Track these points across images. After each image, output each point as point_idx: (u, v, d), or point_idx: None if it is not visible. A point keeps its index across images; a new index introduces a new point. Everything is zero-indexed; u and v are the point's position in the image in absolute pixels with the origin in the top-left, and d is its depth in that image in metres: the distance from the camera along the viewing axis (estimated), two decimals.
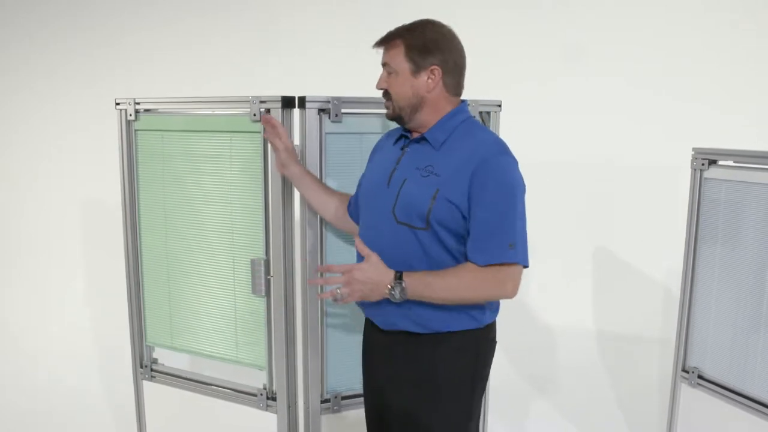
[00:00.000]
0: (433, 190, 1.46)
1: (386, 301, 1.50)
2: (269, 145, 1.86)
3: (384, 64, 1.54)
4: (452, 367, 1.55)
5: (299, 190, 1.85)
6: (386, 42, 1.53)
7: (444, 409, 1.56)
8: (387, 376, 1.64)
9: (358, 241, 1.54)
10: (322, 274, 1.82)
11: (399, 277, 1.45)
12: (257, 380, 2.04)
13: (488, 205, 1.42)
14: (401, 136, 1.64)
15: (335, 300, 1.51)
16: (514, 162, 1.48)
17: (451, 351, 1.54)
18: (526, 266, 1.46)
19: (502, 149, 1.49)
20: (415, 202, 1.48)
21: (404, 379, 1.58)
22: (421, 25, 1.52)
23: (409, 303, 1.49)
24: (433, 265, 1.49)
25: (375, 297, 1.48)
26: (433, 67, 1.50)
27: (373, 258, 1.48)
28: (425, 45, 1.49)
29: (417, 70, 1.50)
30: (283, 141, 1.77)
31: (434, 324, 1.51)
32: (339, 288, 1.50)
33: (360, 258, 1.57)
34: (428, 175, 1.49)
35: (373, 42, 1.57)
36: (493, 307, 1.59)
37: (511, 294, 1.46)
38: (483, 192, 1.42)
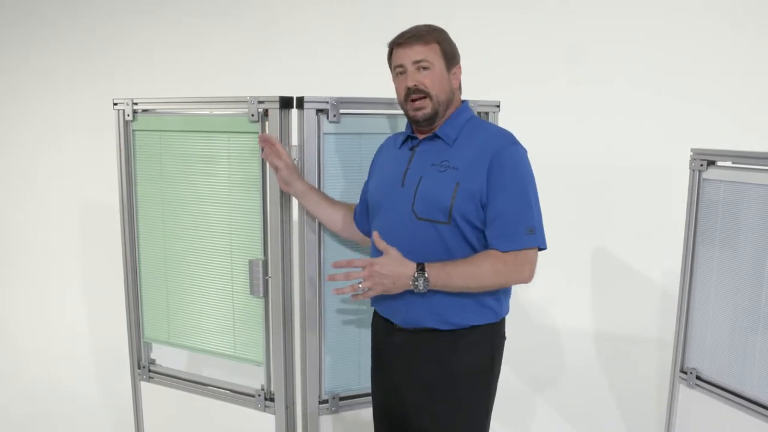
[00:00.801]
0: (453, 184, 1.49)
1: (411, 298, 1.53)
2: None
3: (418, 61, 1.53)
4: (472, 362, 1.57)
5: (304, 206, 1.85)
6: (423, 39, 1.54)
7: (463, 406, 1.58)
8: (403, 375, 1.63)
9: (376, 235, 1.55)
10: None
11: (421, 268, 1.46)
12: (255, 381, 2.04)
13: (506, 193, 1.47)
14: (407, 138, 1.66)
15: (354, 296, 1.50)
16: (525, 151, 1.54)
17: (470, 346, 1.56)
18: (544, 248, 1.51)
19: (513, 139, 1.54)
20: (436, 196, 1.51)
21: (423, 377, 1.58)
22: (442, 30, 1.59)
23: (434, 298, 1.51)
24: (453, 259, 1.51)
25: (397, 290, 1.50)
26: (457, 66, 1.61)
27: (393, 251, 1.50)
28: (452, 47, 1.59)
29: (449, 68, 1.58)
30: (284, 159, 1.76)
31: (457, 319, 1.53)
32: (360, 282, 1.49)
33: (376, 253, 1.59)
34: (445, 170, 1.52)
35: (398, 39, 1.57)
36: (508, 299, 1.62)
37: (528, 278, 1.49)
38: (500, 181, 1.47)
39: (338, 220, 1.82)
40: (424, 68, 1.53)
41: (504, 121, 2.10)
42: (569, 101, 3.77)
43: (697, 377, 2.13)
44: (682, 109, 3.67)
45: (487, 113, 2.06)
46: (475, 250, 1.52)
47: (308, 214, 1.88)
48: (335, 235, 1.93)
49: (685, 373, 2.17)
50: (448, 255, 1.51)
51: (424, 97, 1.54)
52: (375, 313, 1.74)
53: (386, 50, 1.61)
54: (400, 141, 1.68)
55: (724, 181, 2.01)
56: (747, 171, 1.94)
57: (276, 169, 1.78)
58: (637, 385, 3.28)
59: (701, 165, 2.06)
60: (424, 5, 3.70)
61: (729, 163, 2.01)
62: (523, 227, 1.46)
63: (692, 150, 2.10)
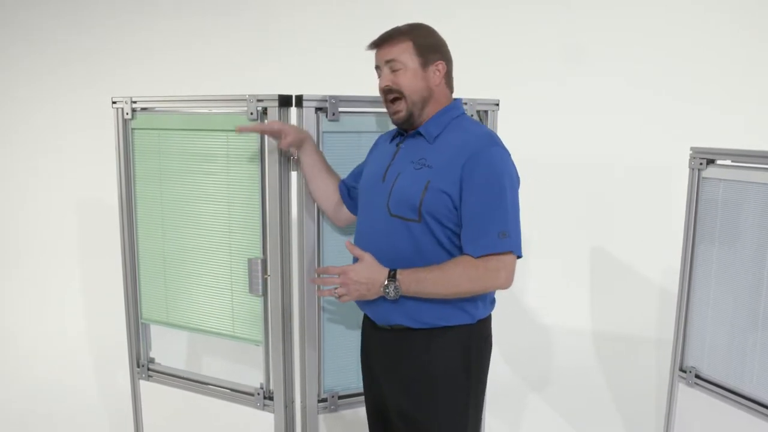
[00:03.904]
0: (424, 182, 1.48)
1: (381, 297, 1.53)
2: (266, 145, 1.86)
3: (389, 61, 1.54)
4: (445, 362, 1.56)
5: (306, 168, 1.82)
6: (391, 39, 1.53)
7: (439, 405, 1.57)
8: (383, 372, 1.65)
9: (348, 243, 1.58)
10: (318, 275, 1.82)
11: (392, 276, 1.47)
12: (254, 380, 2.04)
13: (479, 196, 1.44)
14: (398, 134, 1.67)
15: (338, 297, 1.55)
16: (506, 153, 1.50)
17: (443, 346, 1.55)
18: (519, 256, 1.47)
19: (493, 141, 1.51)
20: (407, 193, 1.50)
21: (400, 374, 1.59)
22: (419, 26, 1.57)
23: (402, 298, 1.51)
24: (426, 259, 1.50)
25: (372, 295, 1.52)
26: (438, 62, 1.56)
27: (367, 258, 1.52)
28: (429, 43, 1.56)
29: (425, 64, 1.54)
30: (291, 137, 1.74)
31: (427, 318, 1.53)
32: (336, 288, 1.54)
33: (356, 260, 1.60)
34: (421, 168, 1.51)
35: (370, 43, 1.58)
36: (487, 303, 1.60)
37: (505, 284, 1.46)
38: (473, 183, 1.44)
39: (332, 192, 1.81)
40: (395, 69, 1.54)
41: (504, 120, 2.10)
42: (569, 101, 3.77)
43: (697, 376, 2.13)
44: (681, 109, 3.67)
45: (486, 112, 2.06)
46: (445, 250, 1.51)
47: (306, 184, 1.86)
48: (335, 232, 1.93)
49: (685, 371, 2.17)
50: (418, 253, 1.50)
51: (399, 99, 1.54)
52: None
53: None
54: (392, 136, 1.70)
55: (724, 179, 2.01)
56: (746, 170, 1.94)
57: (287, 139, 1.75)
58: (637, 383, 3.29)
59: (701, 164, 2.06)
60: (424, 5, 3.70)
61: (728, 162, 2.01)
62: (495, 231, 1.42)
63: (692, 149, 2.10)
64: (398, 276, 1.47)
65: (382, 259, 1.52)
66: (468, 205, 1.45)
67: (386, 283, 1.47)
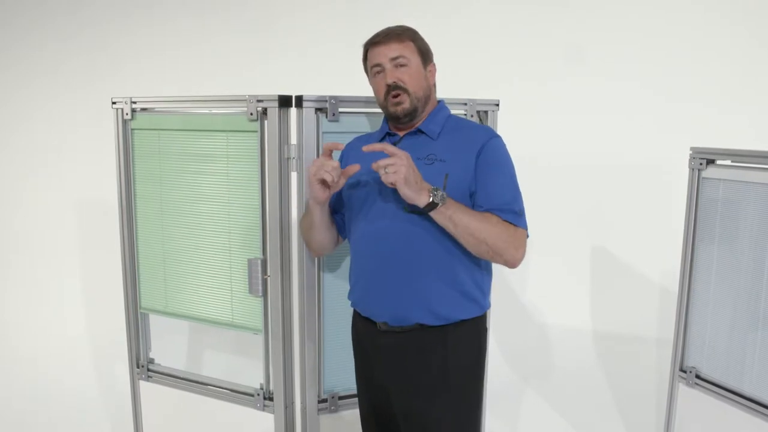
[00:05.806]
0: (442, 175, 1.52)
1: (401, 294, 1.53)
2: (266, 145, 1.86)
3: (395, 58, 1.55)
4: (462, 358, 1.58)
5: (316, 220, 1.71)
6: (399, 37, 1.56)
7: (456, 402, 1.58)
8: (392, 376, 1.62)
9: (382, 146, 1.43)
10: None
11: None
12: (254, 380, 2.04)
13: (499, 179, 1.53)
14: (386, 136, 1.67)
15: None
16: (504, 142, 1.61)
17: (460, 342, 1.57)
18: (528, 236, 1.55)
19: (494, 132, 1.62)
20: None
21: (413, 376, 1.58)
22: (413, 29, 1.62)
23: (423, 291, 1.52)
24: (447, 249, 1.52)
25: (418, 189, 1.40)
26: (432, 64, 1.65)
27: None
28: (426, 46, 1.63)
29: (425, 65, 1.61)
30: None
31: (446, 312, 1.54)
32: (386, 168, 1.39)
33: (357, 256, 1.62)
34: (433, 162, 1.55)
35: (373, 39, 1.59)
36: (488, 293, 1.65)
37: (519, 260, 1.51)
38: (491, 169, 1.53)
39: (330, 238, 1.75)
40: (402, 65, 1.56)
41: (504, 120, 2.10)
42: (569, 101, 3.77)
43: (697, 376, 2.13)
44: (681, 109, 3.67)
45: (486, 112, 2.06)
46: None
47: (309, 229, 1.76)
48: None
49: (685, 371, 2.17)
50: (439, 245, 1.51)
51: (403, 93, 1.56)
52: (355, 314, 1.73)
53: None
54: (377, 139, 1.68)
55: (724, 179, 2.01)
56: (746, 170, 1.94)
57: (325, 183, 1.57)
58: (637, 383, 3.29)
59: (700, 164, 2.06)
60: (424, 5, 3.70)
61: (728, 162, 2.01)
62: (515, 207, 1.52)
63: (692, 149, 2.10)
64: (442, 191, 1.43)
65: (399, 258, 1.52)
66: (486, 186, 1.51)
67: (435, 188, 1.42)
